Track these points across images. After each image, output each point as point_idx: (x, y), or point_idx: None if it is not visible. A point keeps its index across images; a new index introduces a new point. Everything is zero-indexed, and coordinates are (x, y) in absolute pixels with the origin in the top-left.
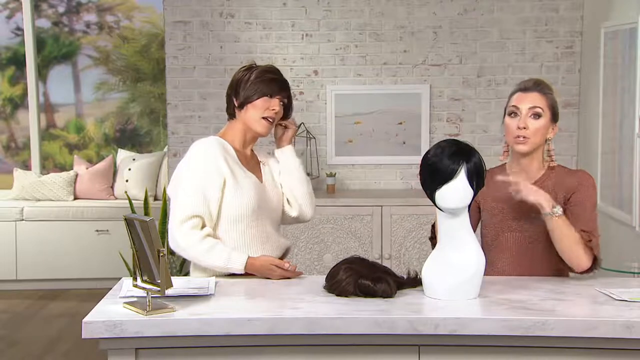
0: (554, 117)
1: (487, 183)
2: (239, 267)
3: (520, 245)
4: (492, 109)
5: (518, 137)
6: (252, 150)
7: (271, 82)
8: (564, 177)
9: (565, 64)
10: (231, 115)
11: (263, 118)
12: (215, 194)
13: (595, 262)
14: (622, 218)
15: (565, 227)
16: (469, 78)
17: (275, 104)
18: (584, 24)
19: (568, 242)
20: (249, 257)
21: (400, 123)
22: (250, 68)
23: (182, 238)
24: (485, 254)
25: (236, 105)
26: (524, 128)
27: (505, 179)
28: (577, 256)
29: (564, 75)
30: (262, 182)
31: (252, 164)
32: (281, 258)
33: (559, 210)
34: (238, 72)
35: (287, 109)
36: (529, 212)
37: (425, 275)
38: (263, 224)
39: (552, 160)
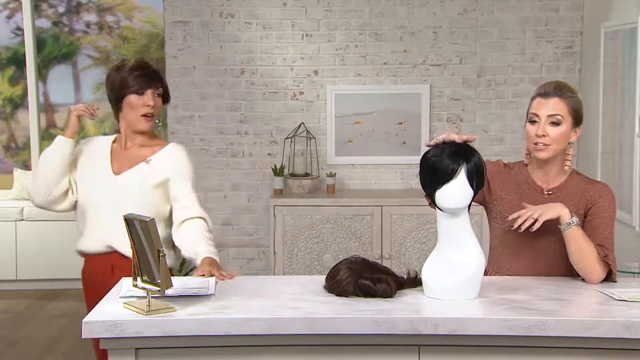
0: (577, 121)
1: (504, 177)
2: (60, 141)
3: (537, 247)
4: (492, 109)
5: (537, 144)
6: (141, 145)
7: (139, 78)
8: (584, 188)
9: (565, 64)
10: (116, 117)
11: (142, 116)
12: (73, 181)
13: (609, 275)
14: (622, 218)
15: (581, 239)
16: (469, 78)
17: (148, 100)
18: (584, 24)
19: (584, 254)
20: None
21: (400, 123)
22: (118, 69)
23: None
24: (497, 256)
25: (113, 108)
26: (543, 136)
27: (515, 217)
28: (592, 269)
29: (564, 75)
30: (117, 174)
31: (128, 158)
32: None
33: (575, 219)
34: (109, 75)
35: (164, 96)
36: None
37: (425, 275)
38: (102, 211)
39: (567, 165)
